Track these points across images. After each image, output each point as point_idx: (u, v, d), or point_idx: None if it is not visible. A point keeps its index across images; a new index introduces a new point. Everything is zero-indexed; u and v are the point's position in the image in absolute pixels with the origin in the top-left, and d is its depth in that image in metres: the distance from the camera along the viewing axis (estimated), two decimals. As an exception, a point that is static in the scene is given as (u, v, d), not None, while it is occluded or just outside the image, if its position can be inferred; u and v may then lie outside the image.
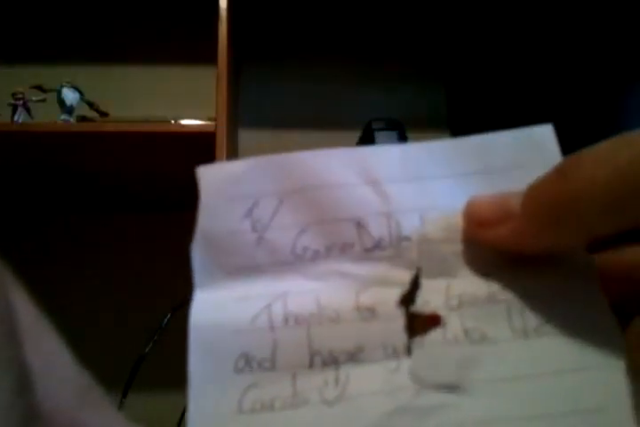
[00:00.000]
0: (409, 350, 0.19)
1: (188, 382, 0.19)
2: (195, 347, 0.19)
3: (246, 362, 0.19)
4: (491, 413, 0.18)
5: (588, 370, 0.19)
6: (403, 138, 0.94)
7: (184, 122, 0.87)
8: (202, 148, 0.79)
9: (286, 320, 0.20)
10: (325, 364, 0.19)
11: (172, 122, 0.88)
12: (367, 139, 0.95)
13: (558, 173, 0.17)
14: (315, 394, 0.19)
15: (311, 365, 0.19)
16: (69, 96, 0.89)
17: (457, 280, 0.20)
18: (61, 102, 0.89)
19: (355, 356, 0.19)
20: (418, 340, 0.19)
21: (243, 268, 0.20)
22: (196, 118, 0.88)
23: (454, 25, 1.19)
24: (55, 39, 1.16)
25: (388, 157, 0.21)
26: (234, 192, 0.21)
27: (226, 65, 0.83)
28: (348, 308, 0.20)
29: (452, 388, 0.19)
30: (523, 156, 0.21)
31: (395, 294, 0.20)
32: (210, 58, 0.87)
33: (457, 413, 0.18)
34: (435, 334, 0.19)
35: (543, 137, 0.21)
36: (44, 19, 1.17)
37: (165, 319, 0.82)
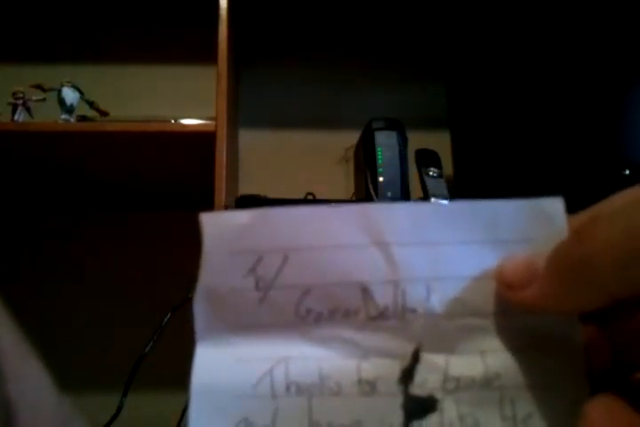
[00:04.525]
0: None
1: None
2: (196, 407, 0.19)
3: None
4: None
5: None
6: (403, 138, 0.94)
7: (184, 122, 0.87)
8: (202, 148, 0.79)
9: (288, 388, 0.20)
10: None
11: (172, 122, 0.87)
12: (367, 139, 0.95)
13: (575, 234, 0.18)
14: None
15: None
16: (69, 96, 0.89)
17: (455, 358, 0.20)
18: (61, 102, 0.89)
19: None
20: (416, 423, 0.20)
21: (245, 326, 0.20)
22: (196, 118, 0.88)
23: (455, 25, 1.19)
24: (55, 39, 1.16)
25: (396, 216, 0.21)
26: (237, 246, 0.20)
27: (226, 65, 0.83)
28: (350, 381, 0.20)
29: None
30: (531, 228, 0.21)
31: (395, 367, 0.20)
32: (210, 58, 0.87)
33: None
34: (432, 419, 0.20)
35: (553, 210, 0.21)
36: (44, 18, 1.17)
37: (165, 319, 0.82)
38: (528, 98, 0.98)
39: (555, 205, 0.21)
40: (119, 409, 0.82)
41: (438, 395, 0.20)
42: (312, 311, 0.20)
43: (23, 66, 1.14)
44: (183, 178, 0.92)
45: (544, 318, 0.20)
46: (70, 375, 0.96)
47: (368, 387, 0.20)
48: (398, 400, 0.20)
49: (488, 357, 0.20)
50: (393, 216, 0.21)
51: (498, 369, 0.20)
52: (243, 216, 0.20)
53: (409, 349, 0.20)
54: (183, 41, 1.17)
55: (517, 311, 0.20)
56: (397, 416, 0.20)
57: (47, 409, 0.21)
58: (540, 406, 0.20)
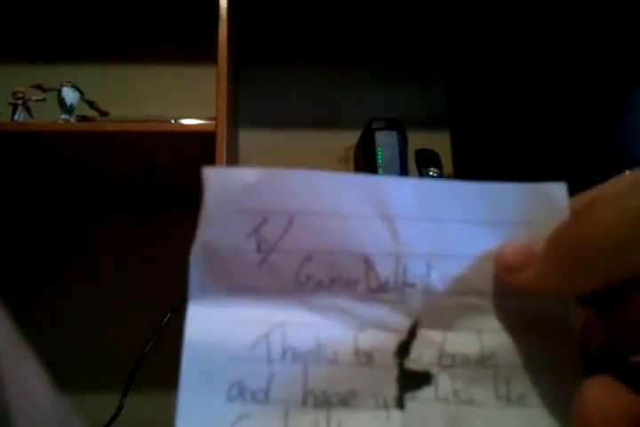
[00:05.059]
0: (400, 403, 0.20)
1: (176, 405, 0.18)
2: (188, 367, 0.19)
3: (240, 391, 0.19)
4: None
5: None
6: (403, 138, 0.94)
7: (184, 122, 0.87)
8: (202, 148, 0.79)
9: (284, 354, 0.19)
10: (317, 404, 0.19)
11: (172, 122, 0.87)
12: (367, 139, 0.95)
13: (573, 216, 0.18)
14: None
15: (304, 403, 0.19)
16: (69, 96, 0.89)
17: (451, 335, 0.20)
18: (61, 102, 0.89)
19: (347, 400, 0.19)
20: (410, 395, 0.20)
21: (242, 287, 0.20)
22: (196, 118, 0.88)
23: (455, 25, 1.19)
24: (55, 39, 1.16)
25: (402, 191, 0.21)
26: (242, 204, 0.20)
27: (226, 65, 0.83)
28: (347, 350, 0.20)
29: None
30: (534, 212, 0.21)
31: (392, 340, 0.20)
32: (210, 58, 0.87)
33: None
34: (427, 391, 0.20)
35: (556, 195, 0.21)
36: (45, 18, 1.17)
37: (165, 319, 0.82)
38: (528, 98, 0.98)
39: (558, 190, 0.21)
40: (119, 409, 0.82)
41: (434, 370, 0.20)
42: (312, 278, 0.20)
43: (23, 66, 1.14)
44: (183, 178, 0.92)
45: (541, 300, 0.20)
46: (70, 375, 0.96)
47: (365, 358, 0.20)
48: (394, 373, 0.20)
49: (484, 336, 0.20)
50: (398, 191, 0.21)
51: (494, 348, 0.20)
52: (249, 174, 0.20)
53: (406, 323, 0.20)
54: (183, 41, 1.17)
55: (515, 293, 0.20)
56: (392, 389, 0.20)
57: (45, 411, 0.21)
58: (534, 387, 0.20)
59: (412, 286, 0.20)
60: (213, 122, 0.80)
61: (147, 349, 0.81)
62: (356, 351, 0.20)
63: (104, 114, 0.94)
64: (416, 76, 1.21)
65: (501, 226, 0.21)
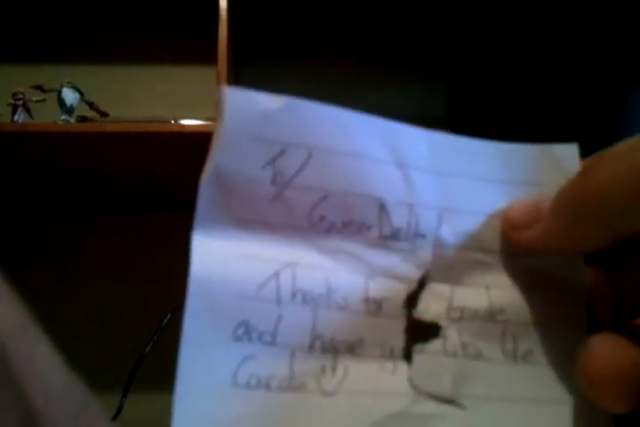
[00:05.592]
0: (407, 354, 0.19)
1: (180, 342, 0.17)
2: (193, 302, 0.18)
3: (246, 331, 0.18)
4: None
5: (564, 404, 0.19)
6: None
7: (184, 122, 0.87)
8: (202, 148, 0.78)
9: (294, 296, 0.19)
10: (325, 350, 0.19)
11: (172, 122, 0.88)
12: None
13: (581, 172, 0.18)
14: (312, 381, 0.18)
15: (311, 348, 0.19)
16: (69, 96, 0.89)
17: (460, 289, 0.20)
18: (61, 102, 0.89)
19: (354, 348, 0.19)
20: (419, 347, 0.20)
21: (253, 221, 0.19)
22: (196, 118, 0.88)
23: (455, 25, 1.19)
24: (55, 39, 1.16)
25: (417, 141, 0.20)
26: (261, 132, 0.18)
27: (226, 65, 0.83)
28: (357, 297, 0.19)
29: (446, 400, 0.19)
30: (544, 173, 0.21)
31: (401, 290, 0.20)
32: (210, 58, 0.87)
33: (452, 424, 0.19)
34: (435, 344, 0.20)
35: (567, 156, 0.21)
36: (45, 19, 1.17)
37: (165, 319, 0.82)
38: (528, 98, 0.98)
39: (569, 151, 0.21)
40: (119, 409, 0.82)
41: (442, 322, 0.20)
42: (325, 219, 0.19)
43: (23, 66, 1.14)
44: (183, 178, 0.92)
45: (549, 258, 0.20)
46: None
47: (374, 306, 0.19)
48: (402, 324, 0.20)
49: (493, 291, 0.20)
50: (413, 140, 0.20)
51: (502, 304, 0.20)
52: (270, 101, 0.18)
53: (416, 274, 0.20)
54: (183, 41, 1.17)
55: (522, 252, 0.20)
56: (400, 339, 0.19)
57: (58, 397, 0.21)
58: (541, 344, 0.20)
59: (423, 237, 0.20)
60: (213, 122, 0.80)
61: (147, 349, 0.81)
62: (366, 299, 0.19)
63: (104, 114, 0.95)
64: (416, 77, 1.21)
65: (512, 186, 0.21)
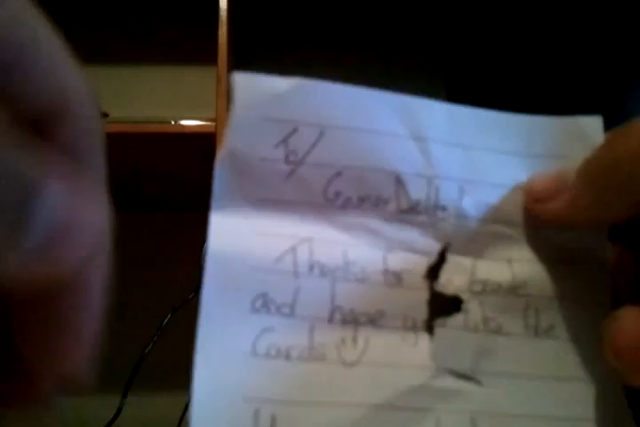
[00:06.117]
0: (429, 327, 0.19)
1: (199, 316, 0.18)
2: (211, 277, 0.18)
3: (264, 303, 0.18)
4: (498, 407, 0.19)
5: (583, 381, 0.19)
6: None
7: (184, 122, 0.87)
8: (202, 148, 0.79)
9: (311, 268, 0.19)
10: (345, 322, 0.19)
11: (172, 122, 0.88)
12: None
13: (607, 143, 0.18)
14: (332, 351, 0.18)
15: (331, 319, 0.19)
16: (69, 96, 0.89)
17: (482, 262, 0.20)
18: (61, 103, 0.89)
19: (375, 320, 0.19)
20: (440, 320, 0.19)
21: (268, 200, 0.19)
22: (196, 118, 0.88)
23: (455, 24, 1.19)
24: (55, 39, 1.16)
25: (436, 113, 0.20)
26: (272, 112, 0.19)
27: (226, 66, 0.83)
28: (375, 269, 0.19)
29: (465, 377, 0.19)
30: (568, 145, 0.20)
31: (422, 263, 0.20)
32: (210, 58, 0.87)
33: (469, 402, 0.19)
34: (457, 318, 0.19)
35: (591, 128, 0.20)
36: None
37: (165, 319, 0.82)
38: (529, 96, 0.98)
39: (593, 124, 0.20)
40: (119, 409, 0.82)
41: (464, 295, 0.20)
42: (341, 195, 0.19)
43: (23, 67, 1.14)
44: (183, 179, 0.92)
45: (572, 232, 0.20)
46: (70, 376, 0.95)
47: (394, 278, 0.19)
48: (423, 296, 0.19)
49: (515, 265, 0.20)
50: (432, 113, 0.20)
51: (525, 278, 0.20)
52: (280, 83, 0.19)
53: (436, 247, 0.20)
54: (183, 42, 1.17)
55: (546, 226, 0.20)
56: (422, 311, 0.19)
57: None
58: (563, 319, 0.20)
59: (444, 209, 0.20)
60: (213, 123, 0.81)
61: (147, 349, 0.81)
62: (385, 271, 0.19)
63: (104, 115, 0.95)
64: (416, 76, 1.21)
65: (535, 159, 0.20)
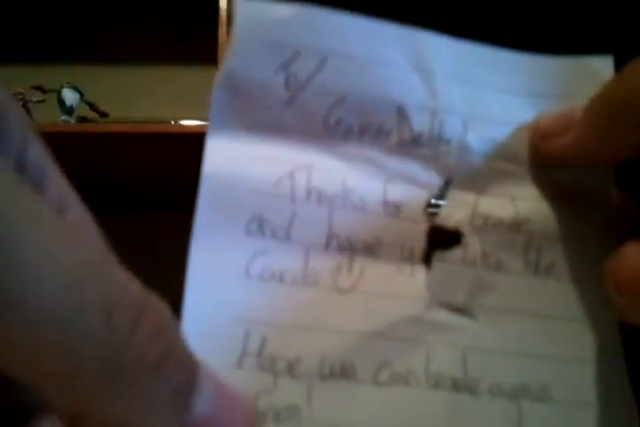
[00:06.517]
0: (426, 259, 0.19)
1: (192, 236, 0.17)
2: (205, 198, 0.18)
3: (259, 226, 0.18)
4: (490, 343, 0.19)
5: (581, 322, 0.19)
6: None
7: (184, 122, 0.87)
8: (202, 148, 0.79)
9: (309, 194, 0.18)
10: (341, 249, 0.18)
11: (172, 122, 0.88)
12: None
13: (617, 76, 0.17)
14: (326, 277, 0.18)
15: (327, 246, 0.18)
16: (69, 96, 0.89)
17: (485, 198, 0.20)
18: (61, 103, 0.89)
19: (371, 249, 0.19)
20: (439, 253, 0.19)
21: (267, 126, 0.18)
22: (195, 118, 0.88)
23: (454, 24, 1.19)
24: (55, 39, 1.16)
25: (441, 47, 0.20)
26: (274, 36, 0.18)
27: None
28: (375, 199, 0.19)
29: (460, 311, 0.19)
30: (577, 85, 0.20)
31: (422, 196, 0.19)
32: (210, 59, 0.87)
33: (461, 336, 0.19)
34: (455, 252, 0.19)
35: (601, 68, 0.20)
36: (45, 19, 1.17)
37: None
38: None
39: (604, 64, 0.20)
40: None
41: (464, 229, 0.19)
42: (342, 123, 0.19)
43: (23, 67, 1.14)
44: (183, 179, 0.92)
45: (578, 172, 0.20)
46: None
47: (393, 209, 0.19)
48: (422, 227, 0.19)
49: (519, 203, 0.20)
50: (438, 46, 0.20)
51: (528, 215, 0.20)
52: (284, 9, 0.18)
53: (437, 181, 0.19)
54: (183, 42, 1.17)
55: (551, 164, 0.20)
56: (420, 243, 0.19)
57: None
58: (565, 258, 0.20)
59: (447, 142, 0.19)
60: (213, 122, 0.81)
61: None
62: (385, 202, 0.19)
63: (104, 115, 0.95)
64: None
65: (543, 98, 0.20)
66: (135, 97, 1.14)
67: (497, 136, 0.20)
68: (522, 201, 0.20)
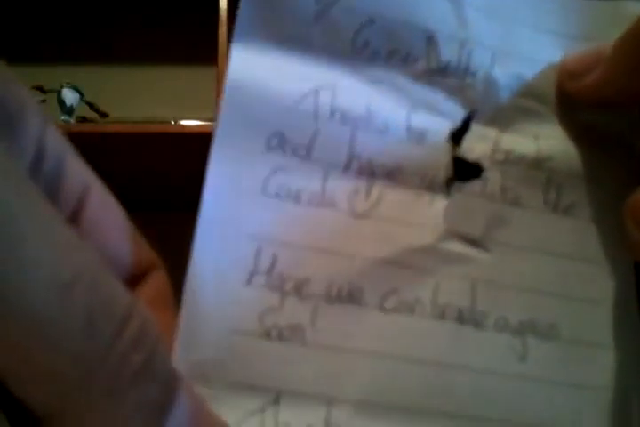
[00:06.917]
0: (446, 189, 0.19)
1: (211, 150, 0.17)
2: (228, 110, 0.17)
3: (280, 142, 0.18)
4: (502, 278, 0.19)
5: (597, 263, 0.19)
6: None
7: (184, 122, 0.87)
8: (202, 148, 0.79)
9: (333, 114, 0.18)
10: (361, 172, 0.18)
11: (172, 122, 0.88)
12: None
13: None
14: (343, 200, 0.18)
15: (346, 168, 0.18)
16: (69, 97, 0.89)
17: (507, 135, 0.19)
18: (61, 103, 0.89)
19: (392, 175, 0.18)
20: (458, 185, 0.19)
21: (294, 40, 0.18)
22: (196, 118, 0.88)
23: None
24: (55, 39, 1.16)
25: None
26: None
27: (226, 65, 0.83)
28: (398, 125, 0.19)
29: (474, 243, 0.19)
30: (608, 29, 0.19)
31: (445, 126, 0.19)
32: (210, 58, 0.87)
33: (473, 268, 0.18)
34: (475, 185, 0.19)
35: (635, 13, 0.19)
36: (44, 19, 1.17)
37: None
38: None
39: (638, 9, 0.20)
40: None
41: (485, 163, 0.19)
42: (370, 46, 0.18)
43: (23, 67, 1.14)
44: (183, 179, 0.92)
45: (605, 114, 0.19)
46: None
47: (416, 135, 0.19)
48: (444, 158, 0.19)
49: (542, 141, 0.20)
50: None
51: (550, 153, 0.19)
52: None
53: (461, 113, 0.19)
54: (183, 41, 1.17)
55: (577, 105, 0.19)
56: (440, 173, 0.19)
57: None
58: (586, 198, 0.19)
59: (474, 75, 0.19)
60: (213, 122, 0.81)
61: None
62: (408, 128, 0.19)
63: (104, 115, 0.95)
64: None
65: (572, 40, 0.20)
66: (135, 97, 1.14)
67: (524, 73, 0.20)
68: (545, 140, 0.20)
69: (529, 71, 0.20)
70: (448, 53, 0.19)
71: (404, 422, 0.17)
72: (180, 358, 0.16)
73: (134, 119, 0.89)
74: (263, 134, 0.18)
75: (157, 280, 0.17)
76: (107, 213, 0.18)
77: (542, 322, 0.19)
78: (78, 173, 0.16)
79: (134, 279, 0.18)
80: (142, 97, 1.14)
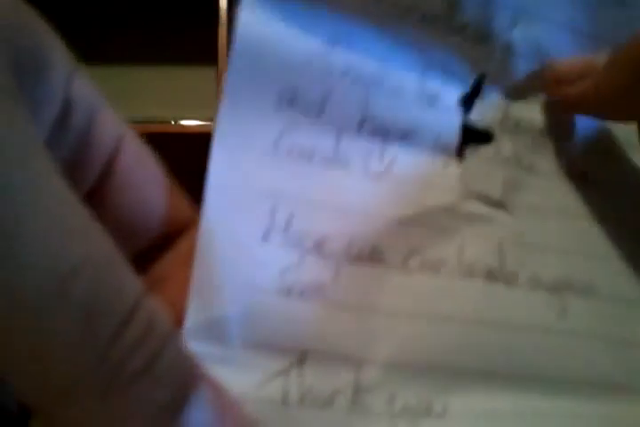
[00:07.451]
0: (460, 152, 0.19)
1: (220, 106, 0.16)
2: (237, 64, 0.17)
3: (292, 98, 0.17)
4: (529, 238, 0.18)
5: (613, 225, 0.19)
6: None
7: (184, 122, 0.87)
8: (202, 148, 0.79)
9: (346, 72, 0.17)
10: (375, 132, 0.18)
11: (172, 122, 0.88)
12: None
13: None
14: (357, 161, 0.17)
15: (360, 128, 0.18)
16: (69, 96, 0.89)
17: (517, 103, 0.19)
18: (61, 103, 0.89)
19: (406, 136, 0.18)
20: (472, 148, 0.19)
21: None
22: (195, 118, 0.88)
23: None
24: (55, 39, 1.16)
25: None
26: None
27: (226, 65, 0.83)
28: (412, 85, 0.18)
29: (495, 204, 0.18)
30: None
31: (457, 89, 0.19)
32: (210, 59, 0.87)
33: (498, 229, 0.18)
34: (488, 149, 0.19)
35: None
36: (44, 19, 1.17)
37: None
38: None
39: None
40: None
41: (496, 130, 0.19)
42: (385, 1, 0.18)
43: (23, 66, 1.14)
44: (183, 179, 0.92)
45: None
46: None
47: (431, 100, 0.18)
48: (457, 121, 0.19)
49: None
50: None
51: (559, 120, 0.19)
52: None
53: (474, 76, 0.19)
54: (183, 42, 1.17)
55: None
56: (454, 135, 0.18)
57: None
58: (598, 166, 0.19)
59: (492, 39, 0.19)
60: (213, 122, 0.81)
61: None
62: (422, 90, 0.18)
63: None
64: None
65: (593, 8, 0.20)
66: (135, 97, 1.14)
67: (542, 37, 0.19)
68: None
69: (549, 34, 0.19)
70: (468, 15, 0.18)
71: (436, 383, 0.17)
72: (193, 317, 0.15)
73: (134, 119, 0.89)
74: (274, 90, 0.17)
75: (194, 238, 0.16)
76: (141, 167, 0.17)
77: (578, 280, 0.18)
78: (110, 125, 0.15)
79: (171, 235, 0.17)
80: (142, 97, 1.14)
